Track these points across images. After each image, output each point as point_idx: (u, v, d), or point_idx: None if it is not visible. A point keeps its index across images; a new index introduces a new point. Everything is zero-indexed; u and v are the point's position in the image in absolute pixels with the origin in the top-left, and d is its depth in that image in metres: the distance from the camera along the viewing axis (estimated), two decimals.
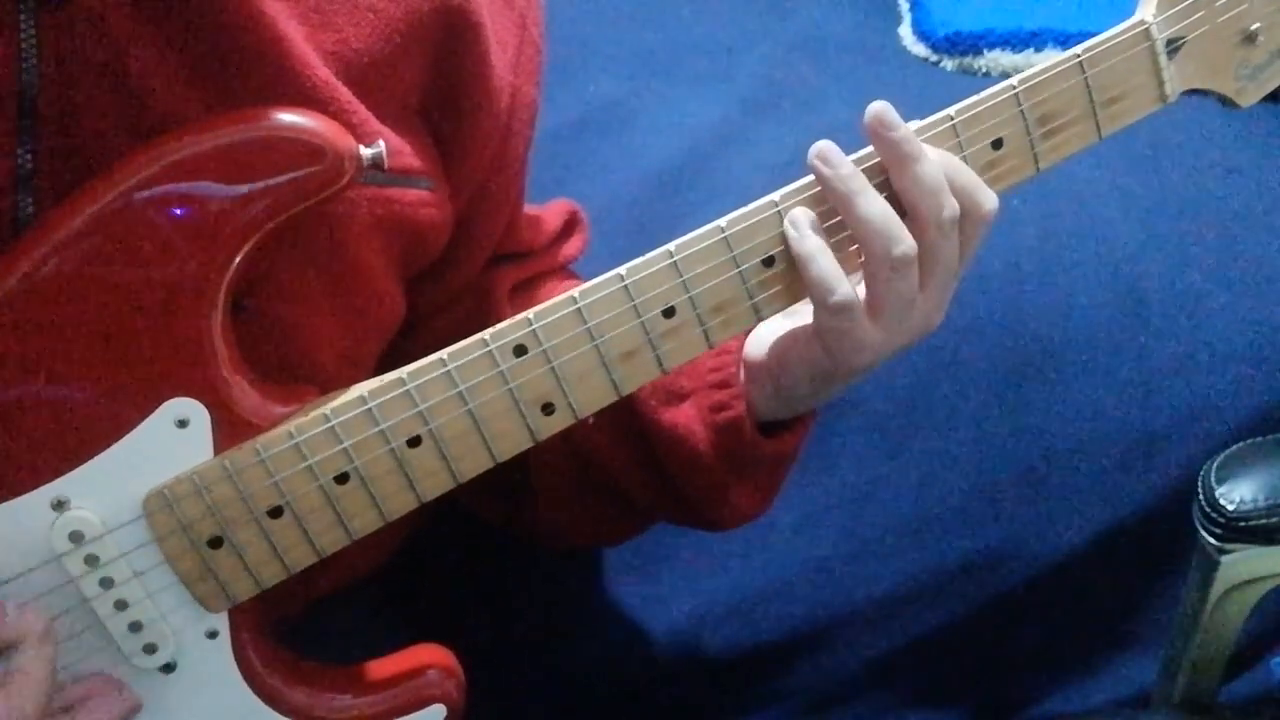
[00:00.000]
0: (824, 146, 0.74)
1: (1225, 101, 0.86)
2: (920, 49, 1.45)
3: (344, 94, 0.74)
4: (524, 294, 0.93)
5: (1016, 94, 0.77)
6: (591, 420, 0.81)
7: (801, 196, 0.75)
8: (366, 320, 0.81)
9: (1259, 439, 1.08)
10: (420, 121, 0.81)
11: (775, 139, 1.28)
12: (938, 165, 0.74)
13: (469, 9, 0.79)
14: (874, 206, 0.73)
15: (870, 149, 0.75)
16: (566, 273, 0.98)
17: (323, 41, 0.74)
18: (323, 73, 0.73)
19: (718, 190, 1.23)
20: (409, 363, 0.73)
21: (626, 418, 0.86)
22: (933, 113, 0.76)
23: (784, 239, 0.75)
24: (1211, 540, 1.01)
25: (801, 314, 0.79)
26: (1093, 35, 0.79)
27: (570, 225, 0.99)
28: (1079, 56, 0.78)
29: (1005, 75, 1.37)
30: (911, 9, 1.50)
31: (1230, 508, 1.00)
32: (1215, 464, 1.03)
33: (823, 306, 0.74)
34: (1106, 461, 1.17)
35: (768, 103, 1.33)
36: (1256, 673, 1.20)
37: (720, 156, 1.27)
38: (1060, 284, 1.19)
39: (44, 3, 0.66)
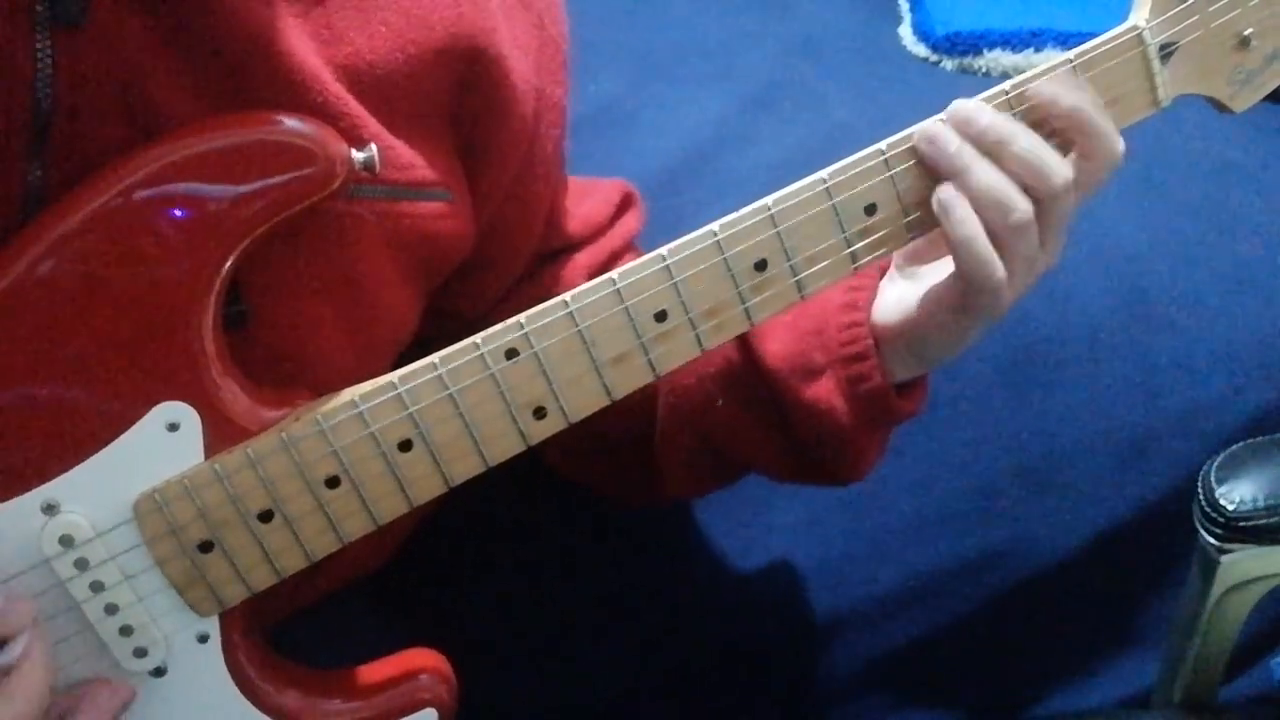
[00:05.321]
0: (931, 129, 0.75)
1: (1219, 106, 0.85)
2: (920, 49, 1.45)
3: (356, 108, 0.74)
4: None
5: (1009, 98, 0.77)
6: (721, 403, 0.86)
7: (795, 201, 0.74)
8: (375, 333, 0.81)
9: (1259, 439, 1.07)
10: (446, 131, 0.81)
11: (775, 139, 1.28)
12: (1033, 141, 0.75)
13: (478, 21, 0.79)
14: (984, 179, 0.74)
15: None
16: (632, 247, 1.00)
17: (334, 55, 0.74)
18: (334, 87, 0.73)
19: (718, 190, 1.23)
20: None
21: (764, 397, 0.87)
22: (932, 113, 0.76)
23: (776, 243, 0.75)
24: (1211, 540, 1.01)
25: (924, 277, 0.81)
26: (1093, 36, 0.79)
27: (626, 201, 1.01)
28: (1071, 61, 0.78)
29: (1005, 75, 1.38)
30: (911, 9, 1.50)
31: (1230, 508, 1.00)
32: (1215, 464, 1.03)
33: (979, 288, 0.76)
34: (1106, 461, 1.17)
35: (768, 103, 1.33)
36: (1256, 673, 1.20)
37: (720, 156, 1.27)
38: (1061, 284, 1.18)
39: (61, 24, 0.66)
